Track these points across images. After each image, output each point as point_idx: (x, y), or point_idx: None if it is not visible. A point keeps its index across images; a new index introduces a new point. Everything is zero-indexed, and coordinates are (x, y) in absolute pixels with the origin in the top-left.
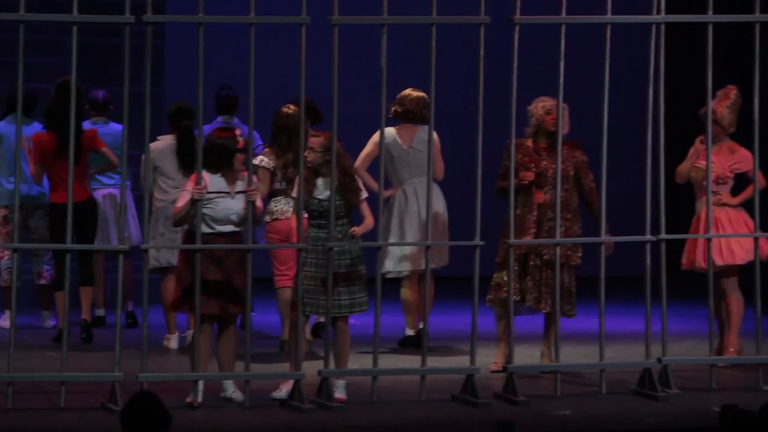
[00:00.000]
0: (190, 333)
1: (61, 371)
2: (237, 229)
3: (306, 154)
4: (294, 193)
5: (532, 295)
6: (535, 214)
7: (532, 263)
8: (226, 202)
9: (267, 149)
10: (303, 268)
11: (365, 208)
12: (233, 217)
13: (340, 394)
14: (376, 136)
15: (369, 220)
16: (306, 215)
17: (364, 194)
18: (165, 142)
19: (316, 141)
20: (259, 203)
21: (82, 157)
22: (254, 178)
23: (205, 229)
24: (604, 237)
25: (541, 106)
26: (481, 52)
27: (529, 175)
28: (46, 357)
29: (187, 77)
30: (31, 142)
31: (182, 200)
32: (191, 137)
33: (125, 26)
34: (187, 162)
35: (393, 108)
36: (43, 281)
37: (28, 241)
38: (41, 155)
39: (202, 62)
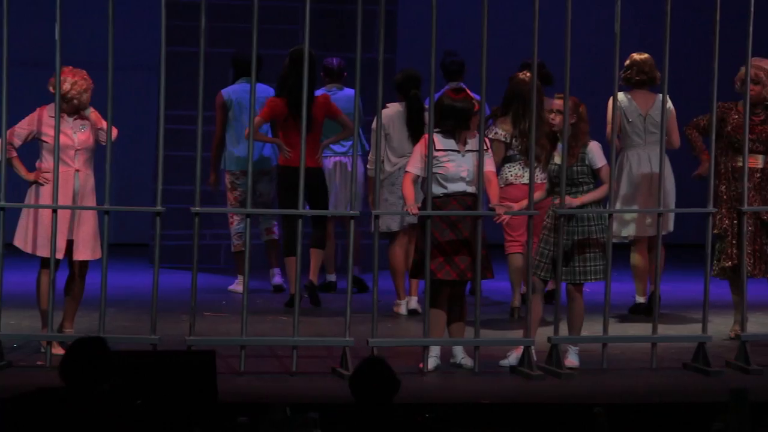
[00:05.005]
0: (412, 299)
1: (293, 336)
2: (469, 189)
3: (552, 117)
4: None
5: (748, 261)
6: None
7: (748, 231)
8: (456, 160)
9: (502, 118)
10: (541, 233)
11: (605, 176)
12: (464, 174)
13: (572, 359)
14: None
15: (599, 190)
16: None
17: (602, 161)
18: (394, 109)
19: (560, 103)
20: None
21: (315, 125)
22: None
23: (437, 190)
24: None
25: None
26: (717, 17)
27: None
28: (278, 321)
29: (420, 43)
30: (264, 102)
31: (408, 184)
32: (420, 105)
33: None
34: (416, 130)
35: (625, 74)
36: (273, 236)
37: (255, 204)
38: (272, 118)
39: (434, 28)
